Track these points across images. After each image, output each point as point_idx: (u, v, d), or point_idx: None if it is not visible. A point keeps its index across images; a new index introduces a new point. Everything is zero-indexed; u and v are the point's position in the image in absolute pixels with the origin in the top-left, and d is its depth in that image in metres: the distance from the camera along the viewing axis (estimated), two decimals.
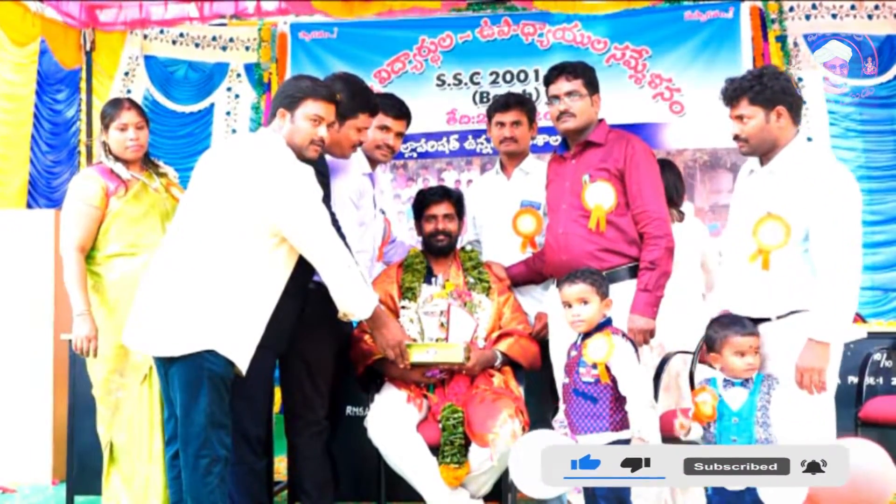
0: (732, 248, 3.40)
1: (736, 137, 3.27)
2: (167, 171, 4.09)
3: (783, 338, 3.17)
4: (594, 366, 3.18)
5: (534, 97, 6.34)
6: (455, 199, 4.08)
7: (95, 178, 3.87)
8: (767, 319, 3.23)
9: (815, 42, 6.59)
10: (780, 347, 3.18)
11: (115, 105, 3.97)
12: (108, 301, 3.83)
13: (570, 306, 3.28)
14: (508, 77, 6.63)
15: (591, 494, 3.25)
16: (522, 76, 6.61)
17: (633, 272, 3.61)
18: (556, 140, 6.20)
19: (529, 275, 4.07)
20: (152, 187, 3.94)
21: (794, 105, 3.24)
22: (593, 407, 3.19)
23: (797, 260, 3.15)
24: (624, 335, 3.29)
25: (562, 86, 3.71)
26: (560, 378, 3.51)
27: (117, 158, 3.91)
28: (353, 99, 3.66)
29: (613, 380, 3.18)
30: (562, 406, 3.35)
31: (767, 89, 3.20)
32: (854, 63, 6.54)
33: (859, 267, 3.11)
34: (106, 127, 3.92)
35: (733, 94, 3.26)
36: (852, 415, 4.05)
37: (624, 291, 3.53)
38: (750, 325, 3.20)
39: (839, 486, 2.83)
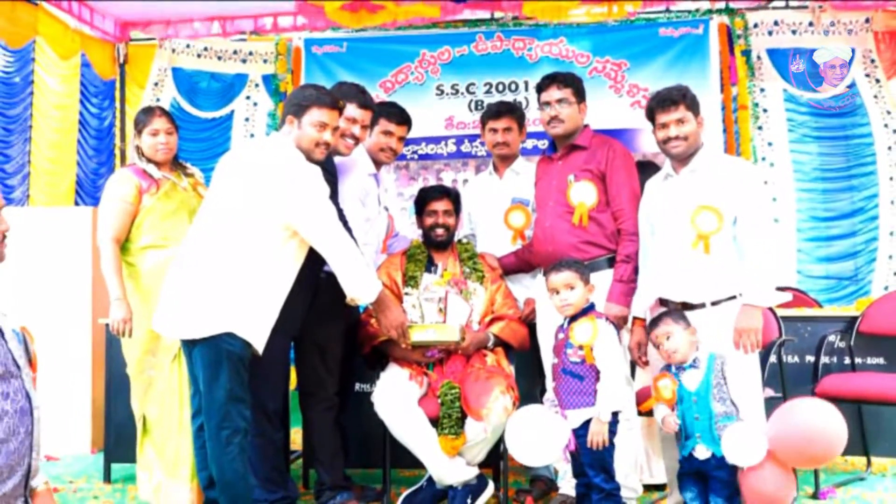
0: (664, 243, 3.42)
1: (675, 138, 3.33)
2: (194, 172, 4.08)
3: (716, 322, 3.24)
4: (580, 347, 3.17)
5: (524, 105, 6.36)
6: (453, 197, 4.07)
7: (130, 177, 3.86)
8: (702, 306, 3.28)
9: (777, 56, 6.57)
10: (714, 330, 3.24)
11: (148, 112, 3.97)
12: (142, 288, 3.81)
13: (557, 292, 3.28)
14: (501, 87, 6.62)
15: (577, 461, 3.24)
16: (513, 86, 6.61)
17: (612, 262, 3.61)
18: (543, 143, 6.20)
19: (519, 264, 4.06)
20: (181, 186, 3.93)
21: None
22: (580, 384, 3.19)
23: (727, 247, 3.26)
24: (607, 319, 3.29)
25: (553, 93, 3.71)
26: (548, 358, 3.50)
27: (149, 160, 3.90)
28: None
29: None
30: (551, 384, 3.33)
31: (695, 100, 3.39)
32: (811, 76, 6.53)
33: (775, 245, 3.32)
34: (139, 132, 3.92)
35: (672, 101, 3.35)
36: (809, 391, 4.04)
37: (603, 279, 3.53)
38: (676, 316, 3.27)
39: (795, 441, 2.87)
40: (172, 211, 3.85)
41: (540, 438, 3.19)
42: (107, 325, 4.46)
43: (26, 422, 1.77)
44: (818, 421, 3.00)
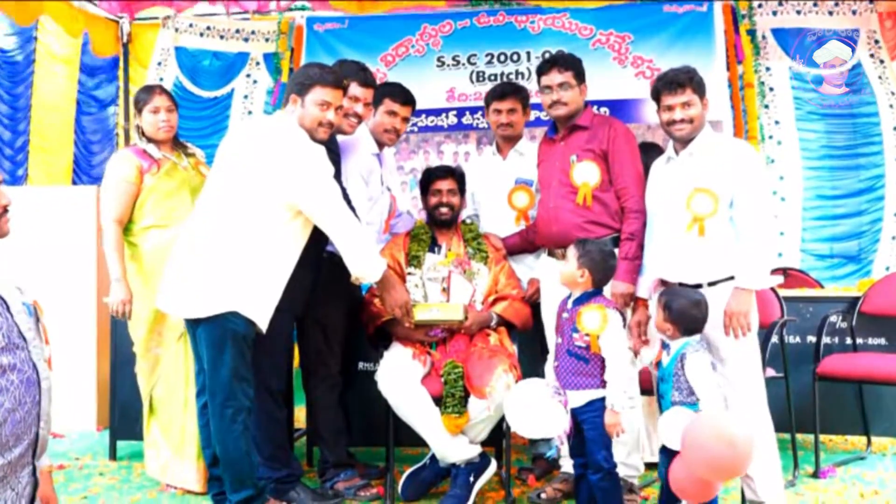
0: (664, 224, 3.43)
1: (680, 121, 3.34)
2: (195, 152, 4.09)
3: (713, 302, 3.23)
4: (587, 334, 3.17)
5: (525, 76, 6.39)
6: (458, 177, 4.08)
7: (130, 157, 3.87)
8: (699, 286, 3.30)
9: (782, 35, 6.54)
10: (711, 311, 3.22)
11: (148, 91, 3.97)
12: (145, 269, 3.84)
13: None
14: (503, 58, 6.58)
15: (575, 442, 3.25)
16: (515, 57, 6.56)
17: (617, 242, 3.60)
18: (546, 115, 6.18)
19: (523, 245, 4.07)
20: (181, 166, 3.93)
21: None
22: (585, 366, 3.17)
23: (724, 229, 3.27)
24: (614, 306, 3.27)
25: (554, 77, 3.71)
26: (552, 337, 3.50)
27: (150, 140, 3.91)
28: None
29: None
30: (552, 362, 3.34)
31: (702, 83, 3.38)
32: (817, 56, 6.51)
33: (773, 226, 3.32)
34: (139, 111, 3.92)
35: (679, 83, 3.34)
36: (811, 370, 4.06)
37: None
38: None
39: (704, 454, 2.83)
40: (174, 190, 3.86)
41: (538, 411, 3.21)
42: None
43: (33, 392, 1.80)
44: (727, 433, 2.84)
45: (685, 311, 3.08)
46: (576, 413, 3.20)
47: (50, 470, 2.01)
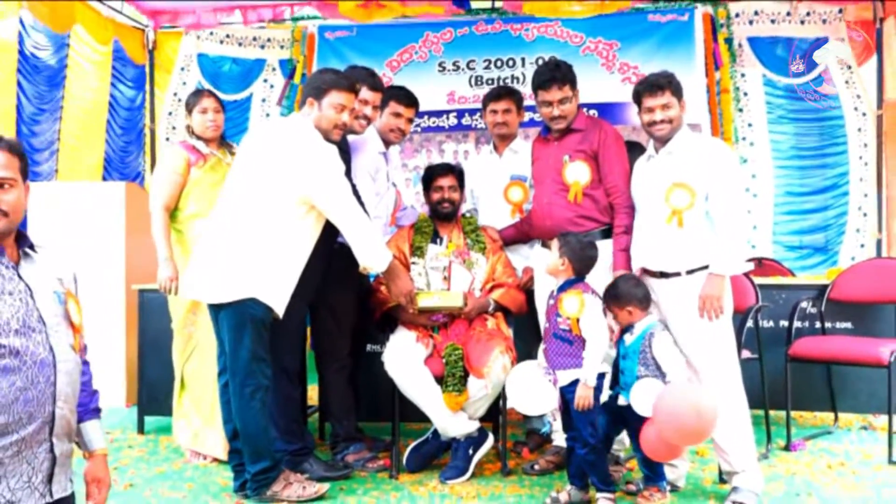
0: (645, 217, 3.42)
1: (660, 122, 3.32)
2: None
3: (691, 289, 3.24)
4: (568, 318, 3.18)
5: (520, 81, 6.36)
6: (458, 173, 4.06)
7: (180, 151, 3.93)
8: (677, 274, 3.29)
9: (756, 43, 6.52)
10: (690, 296, 3.25)
11: (197, 94, 4.05)
12: (188, 253, 3.84)
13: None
14: (499, 63, 6.57)
15: (566, 417, 3.26)
16: (511, 63, 6.55)
17: (605, 234, 3.60)
18: (539, 116, 6.16)
19: (518, 236, 4.06)
20: (225, 162, 3.97)
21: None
22: (569, 348, 3.21)
23: (700, 222, 3.26)
24: (593, 292, 3.27)
25: (554, 94, 3.66)
26: (542, 322, 3.50)
27: (199, 137, 3.95)
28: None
29: None
30: (542, 345, 3.35)
31: (679, 86, 3.37)
32: (787, 62, 6.48)
33: (745, 218, 3.36)
34: (190, 111, 3.97)
35: (659, 86, 3.33)
36: (783, 352, 4.06)
37: (599, 249, 3.48)
38: None
39: (668, 423, 2.95)
40: (216, 183, 3.85)
41: (532, 389, 3.23)
42: (139, 290, 4.49)
43: (47, 373, 1.79)
44: (686, 408, 2.95)
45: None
46: (563, 391, 3.21)
47: (104, 453, 2.00)
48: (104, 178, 6.64)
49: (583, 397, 3.13)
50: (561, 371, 3.21)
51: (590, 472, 3.21)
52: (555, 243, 3.33)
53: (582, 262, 3.29)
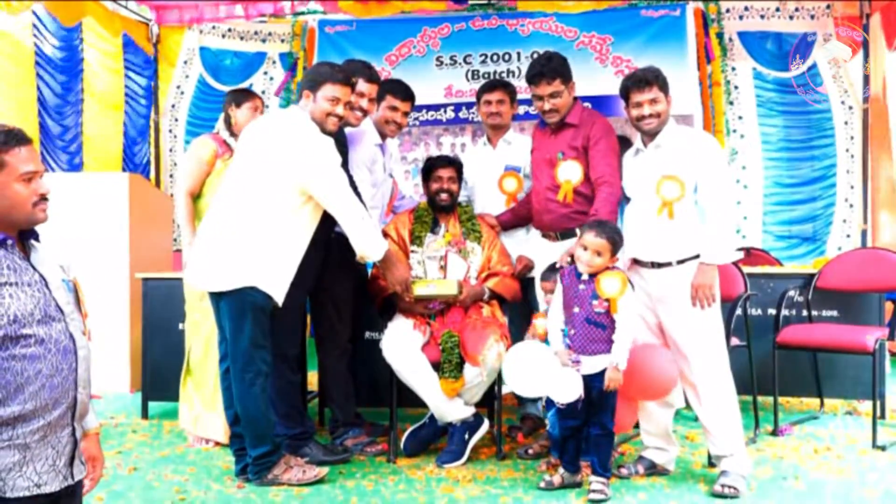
0: (636, 209, 3.40)
1: (648, 116, 3.30)
2: None
3: (683, 278, 3.24)
4: (607, 300, 3.10)
5: (515, 74, 6.32)
6: (457, 165, 4.03)
7: (209, 142, 3.99)
8: (669, 264, 3.28)
9: (747, 38, 6.49)
10: (682, 285, 3.24)
11: (245, 93, 4.17)
12: None
13: (585, 249, 3.14)
14: (495, 58, 6.54)
15: (574, 405, 3.16)
16: (507, 57, 6.52)
17: None
18: (534, 109, 6.11)
19: (515, 221, 4.06)
20: None
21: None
22: (602, 333, 3.11)
23: (690, 212, 3.24)
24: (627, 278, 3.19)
25: (544, 89, 3.65)
26: (564, 308, 3.26)
27: (232, 133, 4.00)
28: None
29: None
30: (563, 331, 3.22)
31: (666, 81, 3.34)
32: (777, 56, 6.46)
33: (733, 207, 3.32)
34: (238, 105, 4.01)
35: (647, 81, 3.30)
36: (771, 339, 4.05)
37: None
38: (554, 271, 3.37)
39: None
40: None
41: (548, 375, 3.15)
42: (143, 278, 4.48)
43: (70, 360, 1.80)
44: (657, 363, 3.14)
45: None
46: (589, 379, 3.11)
47: (97, 432, 2.01)
48: (123, 170, 6.62)
49: (614, 379, 3.07)
50: (589, 357, 3.12)
51: (595, 455, 3.16)
52: (591, 231, 3.14)
53: (619, 245, 3.19)
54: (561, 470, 3.27)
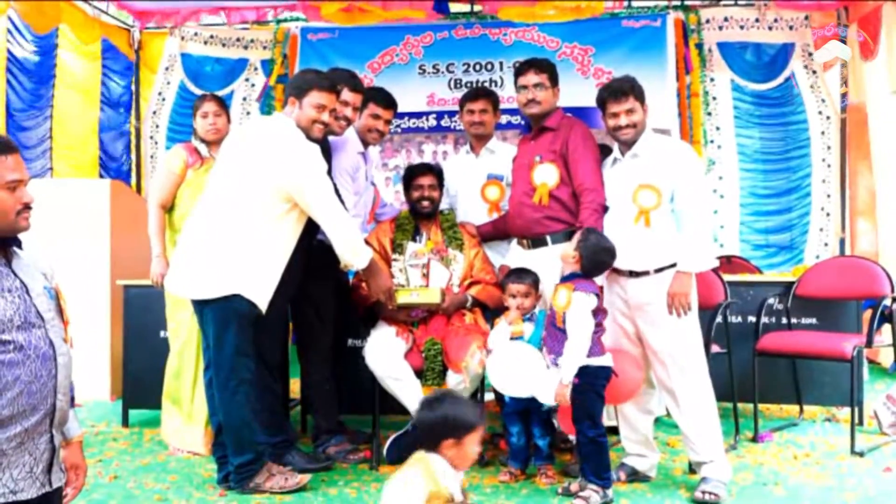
0: (613, 218, 3.39)
1: (625, 126, 3.31)
2: None
3: (660, 286, 3.25)
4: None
5: (498, 84, 6.33)
6: (437, 172, 4.04)
7: (181, 152, 3.96)
8: (646, 273, 3.29)
9: (726, 49, 6.54)
10: (658, 294, 3.25)
11: (201, 98, 4.09)
12: None
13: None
14: (478, 67, 6.55)
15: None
16: (489, 66, 6.53)
17: (568, 235, 3.44)
18: (516, 119, 6.13)
19: (495, 233, 4.04)
20: None
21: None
22: (565, 337, 3.14)
23: (666, 221, 3.26)
24: (596, 294, 3.17)
25: (530, 78, 3.67)
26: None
27: (202, 140, 3.97)
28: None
29: None
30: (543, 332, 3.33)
31: (642, 91, 3.36)
32: (755, 67, 6.52)
33: (710, 216, 3.39)
34: (194, 115, 3.99)
35: (623, 92, 3.31)
36: (751, 347, 4.07)
37: (560, 250, 3.42)
38: (524, 275, 3.44)
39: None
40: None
41: (517, 371, 3.20)
42: (125, 286, 4.44)
43: (49, 366, 1.79)
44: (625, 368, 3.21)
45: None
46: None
47: (80, 440, 1.99)
48: (101, 176, 6.56)
49: (559, 395, 3.09)
50: (560, 357, 3.16)
51: (584, 463, 3.16)
52: (577, 235, 3.21)
53: (592, 262, 3.16)
54: (580, 478, 3.21)
